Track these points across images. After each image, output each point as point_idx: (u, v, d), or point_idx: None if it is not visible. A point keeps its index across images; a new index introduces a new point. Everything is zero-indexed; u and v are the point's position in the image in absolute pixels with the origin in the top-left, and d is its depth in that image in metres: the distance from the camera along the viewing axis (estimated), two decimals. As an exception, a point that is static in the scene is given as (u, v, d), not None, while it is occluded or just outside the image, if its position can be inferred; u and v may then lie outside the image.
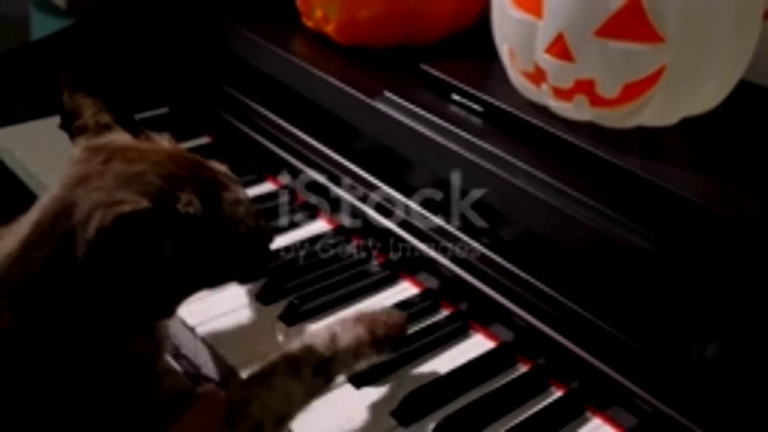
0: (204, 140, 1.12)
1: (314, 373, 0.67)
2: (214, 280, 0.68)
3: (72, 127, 0.69)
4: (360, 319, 0.72)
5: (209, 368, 0.80)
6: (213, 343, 0.79)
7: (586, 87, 0.78)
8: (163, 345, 0.66)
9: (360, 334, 0.70)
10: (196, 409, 0.64)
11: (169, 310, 0.65)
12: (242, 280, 0.71)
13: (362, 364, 0.71)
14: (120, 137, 0.66)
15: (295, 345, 0.68)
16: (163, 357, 0.66)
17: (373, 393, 0.75)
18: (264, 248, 0.71)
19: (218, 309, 0.82)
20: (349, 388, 0.75)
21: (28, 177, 1.04)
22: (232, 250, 0.65)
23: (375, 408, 0.74)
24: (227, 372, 0.77)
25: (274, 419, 0.65)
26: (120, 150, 0.62)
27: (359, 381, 0.75)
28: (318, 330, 0.70)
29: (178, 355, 0.82)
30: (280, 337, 0.80)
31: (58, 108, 1.04)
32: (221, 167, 0.68)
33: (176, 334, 0.81)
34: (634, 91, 0.76)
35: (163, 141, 0.68)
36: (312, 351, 0.67)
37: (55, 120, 1.11)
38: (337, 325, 0.71)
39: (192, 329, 0.80)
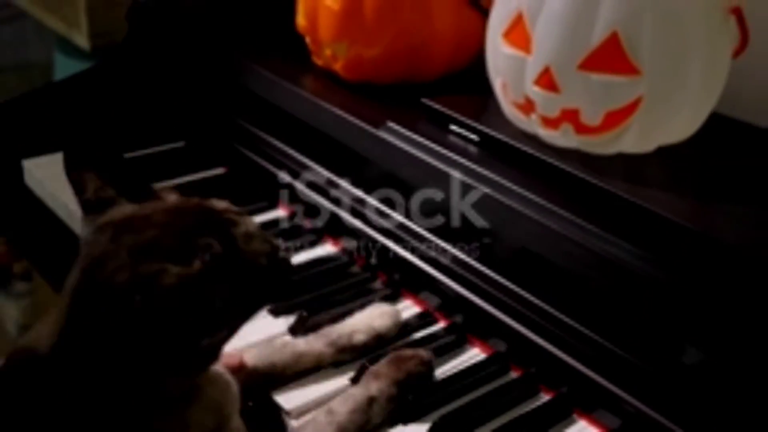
0: (219, 171, 1.19)
1: None
2: (251, 311, 0.69)
3: (78, 202, 0.69)
4: (392, 375, 0.79)
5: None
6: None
7: (571, 116, 0.85)
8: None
9: (392, 393, 0.77)
10: None
11: (216, 353, 0.66)
12: (273, 302, 0.74)
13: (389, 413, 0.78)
14: (122, 209, 0.66)
15: (340, 407, 0.75)
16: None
17: (377, 393, 0.81)
18: (285, 268, 0.72)
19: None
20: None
21: (58, 206, 1.10)
22: (258, 280, 0.66)
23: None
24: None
25: None
26: (124, 223, 0.63)
27: (363, 382, 0.82)
28: (358, 390, 0.77)
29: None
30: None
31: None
32: (224, 204, 0.68)
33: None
34: (614, 119, 0.84)
35: (171, 197, 0.70)
36: (354, 420, 0.75)
37: (84, 151, 1.18)
38: (373, 385, 0.77)
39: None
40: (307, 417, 0.76)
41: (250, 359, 0.79)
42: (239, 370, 0.74)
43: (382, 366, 0.80)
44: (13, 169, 1.17)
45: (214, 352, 0.66)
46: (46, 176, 1.14)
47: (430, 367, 0.82)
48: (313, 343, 0.83)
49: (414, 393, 0.79)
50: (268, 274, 0.67)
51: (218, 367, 0.69)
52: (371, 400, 0.76)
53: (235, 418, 0.68)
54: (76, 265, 0.62)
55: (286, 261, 0.72)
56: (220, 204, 0.68)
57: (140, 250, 0.60)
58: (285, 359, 0.81)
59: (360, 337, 0.85)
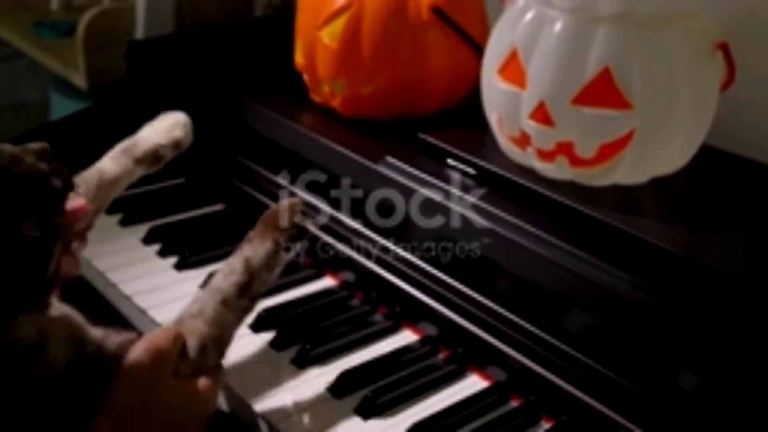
0: (218, 207, 1.20)
1: (239, 297, 0.78)
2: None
3: None
4: (263, 233, 0.82)
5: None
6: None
7: (566, 149, 0.87)
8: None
9: (268, 249, 0.81)
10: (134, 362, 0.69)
11: (55, 276, 0.69)
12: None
13: (278, 269, 0.82)
14: None
15: (217, 279, 0.79)
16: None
17: (380, 425, 0.82)
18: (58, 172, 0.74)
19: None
20: (357, 420, 0.82)
21: (96, 276, 1.07)
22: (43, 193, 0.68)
23: (381, 438, 0.81)
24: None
25: (215, 342, 0.76)
26: None
27: (367, 413, 0.83)
28: (233, 259, 0.81)
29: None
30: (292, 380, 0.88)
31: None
32: None
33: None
34: (608, 151, 0.86)
35: None
36: (233, 281, 0.79)
37: (116, 217, 1.16)
38: (246, 247, 0.81)
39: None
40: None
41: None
42: (83, 214, 0.78)
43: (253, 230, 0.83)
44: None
45: (54, 274, 0.68)
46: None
47: (301, 212, 0.85)
48: (118, 160, 0.91)
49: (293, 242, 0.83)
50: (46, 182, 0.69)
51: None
52: (247, 261, 0.80)
53: (89, 332, 0.70)
54: None
55: (56, 167, 0.73)
56: None
57: None
58: (102, 184, 0.88)
59: (152, 146, 0.92)
